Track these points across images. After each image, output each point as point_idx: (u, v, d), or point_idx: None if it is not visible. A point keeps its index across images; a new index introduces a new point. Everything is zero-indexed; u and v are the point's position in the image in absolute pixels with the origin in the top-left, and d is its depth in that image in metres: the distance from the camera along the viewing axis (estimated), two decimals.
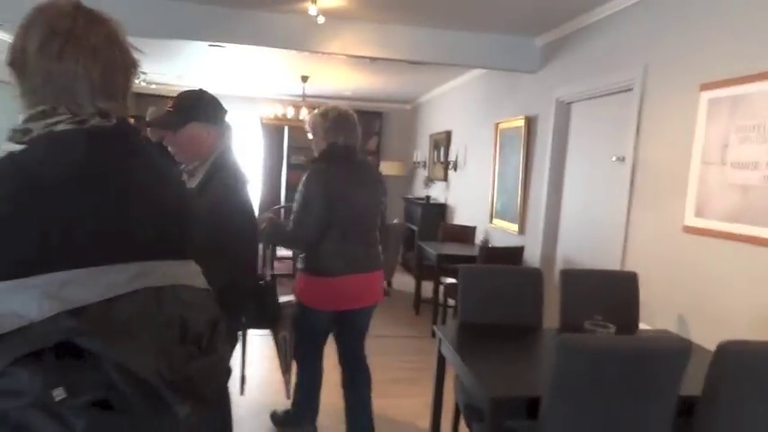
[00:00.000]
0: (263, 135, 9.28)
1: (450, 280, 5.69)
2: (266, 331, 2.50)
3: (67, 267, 0.79)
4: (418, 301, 5.49)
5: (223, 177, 1.88)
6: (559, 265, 4.20)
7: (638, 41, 3.28)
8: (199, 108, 1.90)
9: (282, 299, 2.47)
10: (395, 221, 7.09)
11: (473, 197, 6.06)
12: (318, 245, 2.47)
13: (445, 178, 7.12)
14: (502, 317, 2.63)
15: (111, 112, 0.93)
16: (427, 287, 5.30)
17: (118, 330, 0.78)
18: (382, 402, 3.36)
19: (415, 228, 7.27)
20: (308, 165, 2.66)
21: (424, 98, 8.62)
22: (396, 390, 3.61)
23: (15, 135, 0.87)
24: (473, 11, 3.99)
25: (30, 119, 0.88)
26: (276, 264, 7.39)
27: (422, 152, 8.33)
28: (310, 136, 2.67)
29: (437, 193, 7.49)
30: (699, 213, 2.67)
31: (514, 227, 4.87)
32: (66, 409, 0.73)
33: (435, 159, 7.62)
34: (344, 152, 2.57)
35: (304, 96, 7.14)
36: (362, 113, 9.43)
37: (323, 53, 4.58)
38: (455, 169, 6.74)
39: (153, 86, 8.35)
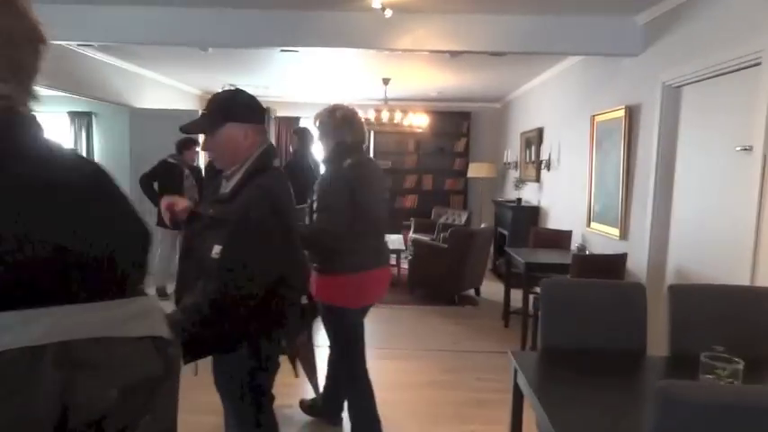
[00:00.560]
0: None
1: None
2: None
3: None
4: (507, 312, 5.05)
5: (261, 180, 1.76)
6: (671, 276, 3.60)
7: (764, 5, 2.69)
8: (233, 108, 1.79)
9: None
10: (482, 226, 6.67)
11: (568, 199, 5.51)
12: (345, 242, 2.47)
13: (537, 179, 6.59)
14: (594, 341, 2.20)
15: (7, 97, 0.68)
16: (518, 296, 4.85)
17: None
18: (455, 428, 3.02)
19: (505, 232, 6.80)
20: (329, 161, 2.61)
21: (513, 95, 8.11)
22: (474, 414, 3.25)
23: None
24: None
25: None
26: None
27: (513, 152, 7.82)
28: (317, 135, 2.68)
29: (529, 195, 6.96)
30: None
31: (615, 231, 4.30)
32: None
33: (527, 159, 7.10)
34: (354, 149, 2.59)
35: (386, 100, 6.96)
36: (450, 114, 9.11)
37: (394, 50, 4.32)
38: (548, 169, 6.20)
39: None
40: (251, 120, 1.79)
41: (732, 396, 1.23)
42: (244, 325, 1.72)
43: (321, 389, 3.08)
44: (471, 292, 6.13)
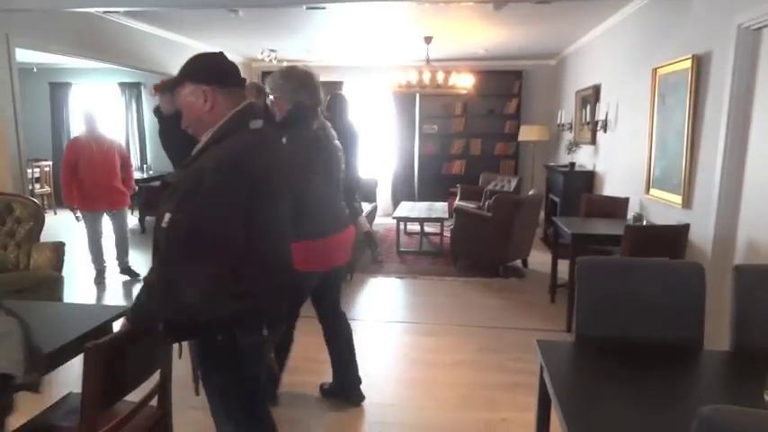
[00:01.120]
0: (394, 105, 8.90)
1: None
2: None
3: None
4: (554, 286, 4.70)
5: (227, 142, 1.57)
6: (741, 253, 3.15)
7: None
8: (192, 67, 1.62)
9: None
10: (531, 192, 6.25)
11: (626, 163, 5.01)
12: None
13: (593, 141, 6.07)
14: (639, 332, 1.89)
15: None
16: (567, 268, 4.47)
17: None
18: (483, 415, 2.78)
19: (557, 200, 6.36)
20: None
21: (568, 50, 7.48)
22: (505, 400, 2.99)
23: None
24: None
25: None
26: (407, 238, 7.03)
27: (567, 113, 7.26)
28: (271, 99, 2.52)
29: (584, 159, 6.44)
30: None
31: (677, 199, 3.83)
32: None
33: (582, 120, 6.55)
34: (312, 113, 2.51)
35: (428, 60, 6.55)
36: (500, 73, 8.57)
37: (431, 1, 3.93)
38: (604, 130, 5.67)
39: (284, 63, 8.42)
40: (209, 81, 1.59)
41: None
42: (202, 310, 1.54)
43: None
44: (518, 263, 5.78)
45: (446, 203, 7.40)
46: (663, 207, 4.10)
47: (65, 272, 4.01)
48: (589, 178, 6.05)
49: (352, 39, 6.77)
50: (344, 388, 2.98)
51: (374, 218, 7.53)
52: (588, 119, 6.20)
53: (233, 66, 1.67)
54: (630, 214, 4.40)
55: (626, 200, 4.71)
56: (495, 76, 8.53)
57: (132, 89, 9.65)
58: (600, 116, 5.77)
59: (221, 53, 1.68)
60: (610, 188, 5.47)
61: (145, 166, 9.20)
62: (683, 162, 3.75)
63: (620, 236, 3.60)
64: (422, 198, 8.58)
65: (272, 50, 7.73)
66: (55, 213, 8.39)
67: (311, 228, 2.43)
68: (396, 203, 8.38)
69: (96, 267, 5.09)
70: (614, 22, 5.49)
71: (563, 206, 6.02)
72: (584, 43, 6.69)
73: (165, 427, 1.93)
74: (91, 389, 1.50)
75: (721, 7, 3.35)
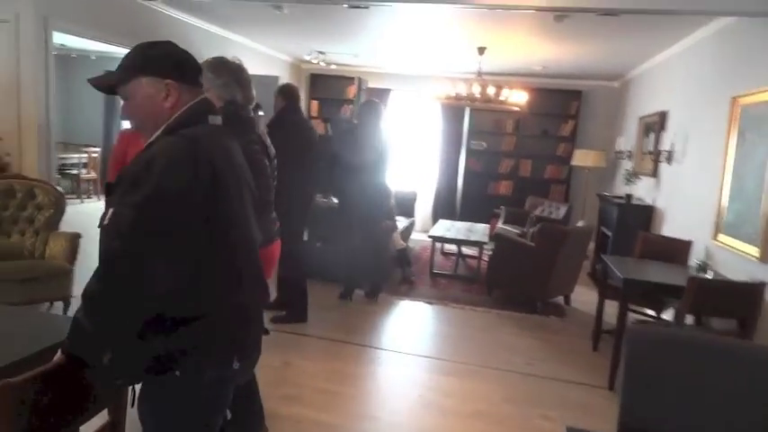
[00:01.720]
0: (441, 117, 8.53)
1: (649, 312, 4.27)
2: None
3: None
4: (598, 331, 4.20)
5: (175, 135, 1.32)
6: None
7: None
8: (149, 57, 1.36)
9: None
10: (580, 223, 5.75)
11: (691, 201, 4.47)
12: None
13: (654, 173, 5.51)
14: (704, 426, 1.46)
15: None
16: (614, 311, 3.96)
17: None
18: None
19: (609, 233, 5.82)
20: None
21: (635, 72, 6.92)
22: None
23: None
24: None
25: None
26: (442, 259, 6.64)
27: (627, 140, 6.71)
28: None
29: (643, 191, 5.88)
30: None
31: (753, 250, 3.30)
32: None
33: (644, 149, 6.00)
34: (244, 111, 2.26)
35: (480, 72, 6.16)
36: (556, 92, 8.06)
37: (488, 6, 3.57)
38: (669, 162, 5.13)
39: (333, 67, 8.21)
40: (172, 75, 1.35)
41: None
42: (157, 329, 1.25)
43: None
44: (560, 299, 5.28)
45: (488, 225, 6.96)
46: (734, 257, 3.56)
47: (81, 265, 3.83)
48: (647, 214, 5.49)
49: (401, 45, 6.47)
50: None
51: (410, 234, 7.18)
52: (651, 148, 5.66)
53: (195, 59, 1.44)
54: (693, 261, 3.87)
55: (689, 243, 4.18)
56: (551, 95, 8.04)
57: None
58: (664, 146, 5.23)
59: (173, 43, 1.42)
60: (670, 227, 4.91)
61: None
62: (763, 206, 3.22)
63: (680, 287, 3.10)
64: (463, 217, 8.16)
65: (320, 52, 7.53)
66: (81, 202, 8.45)
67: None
68: (435, 220, 8.00)
69: None
70: (689, 44, 4.96)
71: (615, 242, 5.49)
72: (653, 65, 6.14)
73: None
74: None
75: None
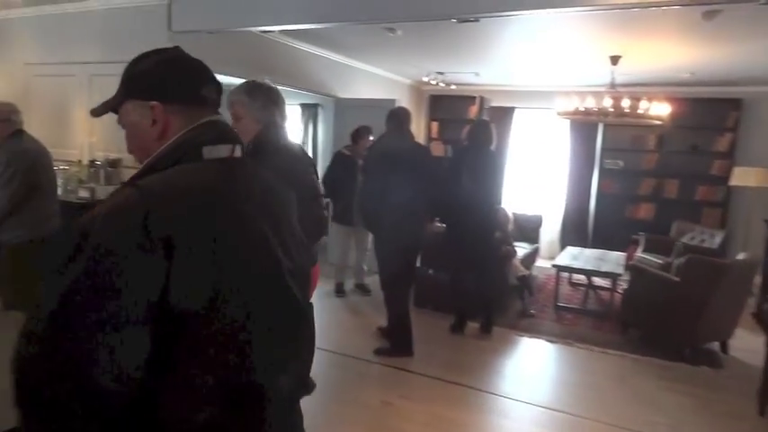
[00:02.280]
0: (570, 134, 7.88)
1: None
2: None
3: None
4: (766, 389, 3.40)
5: (116, 194, 0.94)
6: None
7: None
8: (132, 76, 1.05)
9: None
10: (741, 256, 4.83)
11: None
12: None
13: None
14: None
15: None
16: None
17: None
18: None
19: None
20: None
21: None
22: None
23: None
24: None
25: None
26: (569, 290, 6.02)
27: None
28: (231, 120, 2.05)
29: None
30: None
31: None
32: None
33: None
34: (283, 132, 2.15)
35: (613, 84, 5.53)
36: (709, 102, 7.01)
37: (622, 7, 3.10)
38: None
39: (453, 87, 7.99)
40: (157, 93, 1.01)
41: None
42: None
43: None
44: (714, 345, 4.45)
45: (624, 254, 6.19)
46: None
47: None
48: None
49: (522, 59, 6.07)
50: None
51: (534, 261, 6.64)
52: None
53: (199, 69, 1.08)
54: None
55: None
56: (702, 105, 7.02)
57: (311, 110, 10.11)
58: None
59: (168, 50, 1.08)
60: None
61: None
62: None
63: None
64: (596, 243, 7.39)
65: (438, 73, 7.36)
66: None
67: None
68: (563, 246, 7.34)
69: None
70: None
71: None
72: None
73: None
74: None
75: None
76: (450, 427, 3.05)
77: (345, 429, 2.91)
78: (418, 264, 5.02)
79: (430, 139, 8.72)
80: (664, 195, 7.43)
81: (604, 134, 7.70)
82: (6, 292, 2.81)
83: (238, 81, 5.93)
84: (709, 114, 7.05)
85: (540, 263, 6.96)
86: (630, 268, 4.80)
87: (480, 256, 4.39)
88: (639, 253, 6.51)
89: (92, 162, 4.61)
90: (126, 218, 0.85)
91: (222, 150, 1.03)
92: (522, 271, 5.33)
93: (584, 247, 6.94)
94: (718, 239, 5.99)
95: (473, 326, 4.58)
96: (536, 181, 8.17)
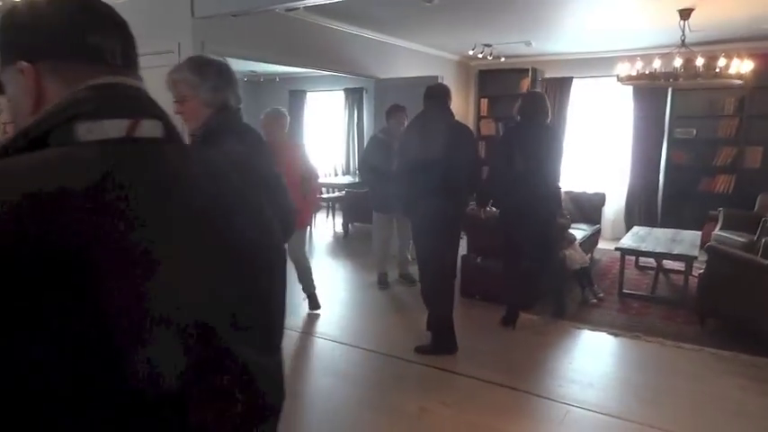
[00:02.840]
0: (634, 102, 7.17)
1: None
2: None
3: None
4: None
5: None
6: None
7: None
8: (2, 34, 0.74)
9: None
10: None
11: None
12: None
13: None
14: None
15: None
16: None
17: None
18: None
19: None
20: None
21: None
22: None
23: None
24: None
25: None
26: (635, 275, 5.45)
27: None
28: (175, 101, 1.75)
29: None
30: None
31: None
32: None
33: None
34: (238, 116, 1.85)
35: (684, 42, 4.87)
36: None
37: None
38: None
39: (502, 60, 7.45)
40: (28, 52, 0.72)
41: None
42: None
43: None
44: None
45: (699, 233, 5.54)
46: None
47: None
48: None
49: (577, 23, 5.50)
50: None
51: (595, 244, 6.11)
52: None
53: (78, 9, 0.75)
54: None
55: None
56: None
57: (356, 94, 9.83)
58: None
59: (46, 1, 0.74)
60: None
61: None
62: None
63: None
64: (666, 222, 6.72)
65: (486, 45, 6.86)
66: None
67: None
68: (629, 226, 6.73)
69: None
70: None
71: None
72: None
73: None
74: None
75: None
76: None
77: None
78: (464, 251, 4.67)
79: (480, 117, 8.24)
80: (745, 165, 6.63)
81: (673, 100, 6.95)
82: None
83: (273, 68, 5.73)
84: None
85: (603, 245, 6.40)
86: (708, 249, 4.21)
87: (540, 243, 3.98)
88: (718, 230, 5.85)
89: None
90: None
91: (111, 127, 0.68)
92: (583, 260, 4.80)
93: (653, 226, 6.31)
94: None
95: (527, 317, 4.18)
96: (597, 156, 7.54)
